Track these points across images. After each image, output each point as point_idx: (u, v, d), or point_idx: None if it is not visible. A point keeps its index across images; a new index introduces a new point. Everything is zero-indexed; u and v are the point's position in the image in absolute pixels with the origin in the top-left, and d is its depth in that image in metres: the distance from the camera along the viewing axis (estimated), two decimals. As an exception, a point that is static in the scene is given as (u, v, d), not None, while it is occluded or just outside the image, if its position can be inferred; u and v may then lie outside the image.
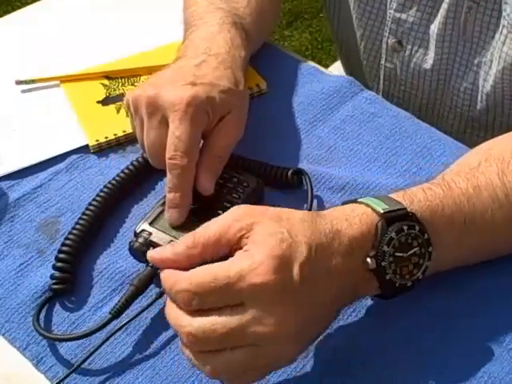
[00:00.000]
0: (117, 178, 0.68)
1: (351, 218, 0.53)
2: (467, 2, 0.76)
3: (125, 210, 0.69)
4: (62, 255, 0.63)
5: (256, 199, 0.66)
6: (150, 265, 0.59)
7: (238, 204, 0.56)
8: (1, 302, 0.62)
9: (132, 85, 0.81)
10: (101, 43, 0.88)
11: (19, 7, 1.07)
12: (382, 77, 0.91)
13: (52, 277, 0.62)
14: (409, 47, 0.85)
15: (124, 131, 0.75)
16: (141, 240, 0.61)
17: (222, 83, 0.67)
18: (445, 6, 0.78)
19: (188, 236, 0.53)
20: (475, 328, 0.58)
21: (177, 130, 0.62)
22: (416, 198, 0.56)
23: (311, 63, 0.85)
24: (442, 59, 0.83)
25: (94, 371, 0.58)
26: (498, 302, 0.60)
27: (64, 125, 0.78)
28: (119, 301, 0.59)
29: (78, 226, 0.64)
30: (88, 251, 0.65)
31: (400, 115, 0.77)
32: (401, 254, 0.53)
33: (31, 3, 0.97)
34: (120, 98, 0.79)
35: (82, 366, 0.57)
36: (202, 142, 0.65)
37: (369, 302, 0.60)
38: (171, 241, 0.61)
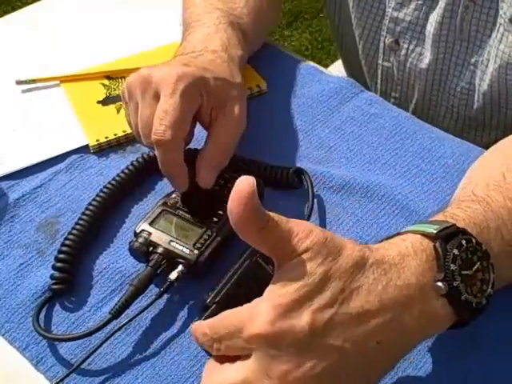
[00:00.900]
0: (116, 178, 0.68)
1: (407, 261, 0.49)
2: (464, 0, 0.76)
3: (125, 210, 0.69)
4: (61, 255, 0.63)
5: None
6: (150, 265, 0.60)
7: None
8: (1, 302, 0.62)
9: (132, 85, 0.81)
10: (101, 43, 0.89)
11: (19, 7, 1.07)
12: (379, 76, 0.91)
13: (52, 277, 0.62)
14: (405, 46, 0.85)
15: (124, 131, 0.75)
16: (141, 240, 0.61)
17: (217, 71, 0.67)
18: (442, 4, 0.78)
19: None
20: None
21: (165, 104, 0.61)
22: (458, 216, 0.53)
23: (311, 63, 0.85)
24: (438, 59, 0.82)
25: (94, 371, 0.57)
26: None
27: (64, 125, 0.78)
28: (119, 301, 0.59)
29: (77, 226, 0.64)
30: (88, 251, 0.65)
31: (400, 116, 0.77)
32: (466, 272, 0.49)
33: (31, 3, 0.97)
34: (120, 98, 0.79)
35: (82, 366, 0.57)
36: (204, 140, 0.65)
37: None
38: (171, 241, 0.61)
